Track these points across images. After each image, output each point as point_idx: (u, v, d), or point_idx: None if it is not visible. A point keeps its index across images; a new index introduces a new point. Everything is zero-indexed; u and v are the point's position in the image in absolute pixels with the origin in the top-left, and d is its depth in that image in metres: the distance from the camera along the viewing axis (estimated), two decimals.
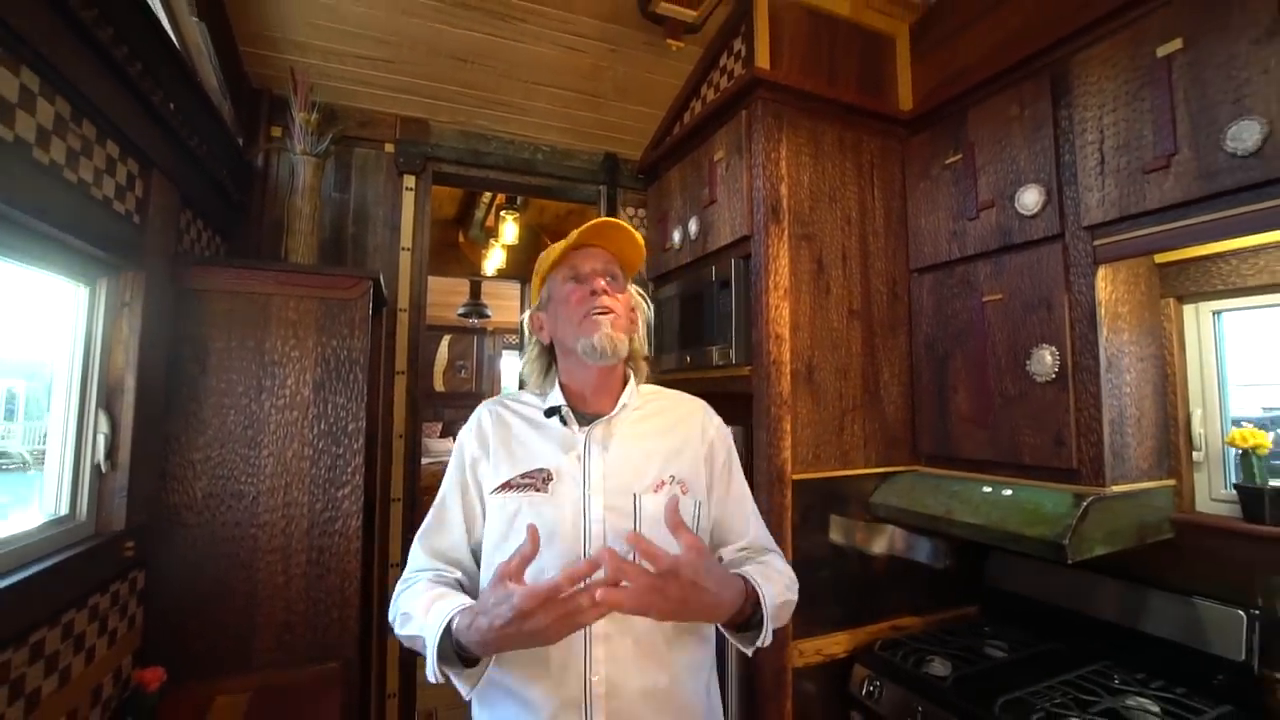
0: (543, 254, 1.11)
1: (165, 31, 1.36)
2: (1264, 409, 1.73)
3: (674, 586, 0.81)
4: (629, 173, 2.52)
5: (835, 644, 1.77)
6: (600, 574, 0.79)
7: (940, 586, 1.99)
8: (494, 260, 3.72)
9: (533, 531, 0.83)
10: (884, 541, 1.91)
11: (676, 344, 2.17)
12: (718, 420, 1.16)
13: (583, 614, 0.77)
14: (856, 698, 1.69)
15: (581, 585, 0.78)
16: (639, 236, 1.06)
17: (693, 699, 1.00)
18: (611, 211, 2.48)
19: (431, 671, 0.85)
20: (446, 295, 5.12)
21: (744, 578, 0.95)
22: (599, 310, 1.00)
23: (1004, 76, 1.69)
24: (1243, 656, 1.38)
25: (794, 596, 1.04)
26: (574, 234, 1.03)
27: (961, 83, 1.80)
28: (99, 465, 1.29)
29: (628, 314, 1.05)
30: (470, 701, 0.96)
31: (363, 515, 1.64)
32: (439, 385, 6.70)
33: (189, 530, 1.49)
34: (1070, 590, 1.75)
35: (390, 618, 0.98)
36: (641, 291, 1.16)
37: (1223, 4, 1.26)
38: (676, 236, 2.16)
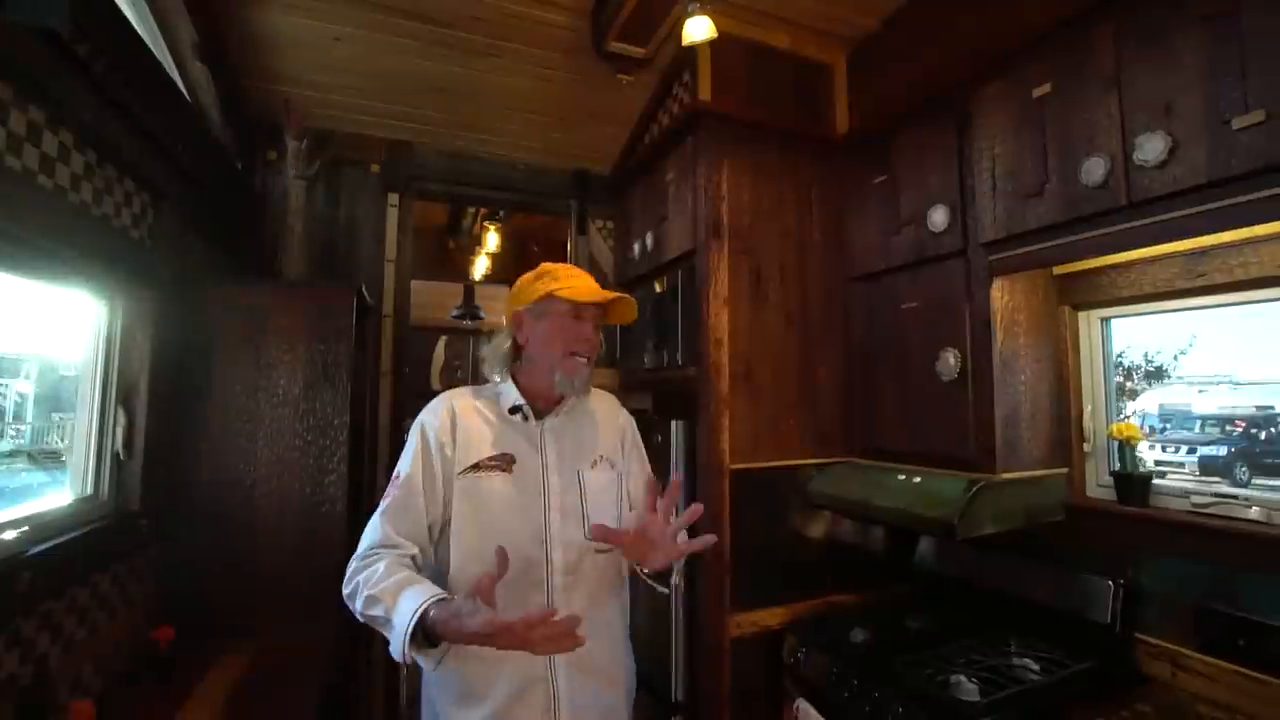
0: (549, 269, 1.25)
1: (178, 86, 1.57)
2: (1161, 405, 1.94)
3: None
4: (599, 188, 2.73)
5: (772, 617, 1.98)
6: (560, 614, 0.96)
7: (875, 567, 2.19)
8: (480, 266, 3.95)
9: (501, 554, 0.98)
10: (822, 527, 2.11)
11: (638, 348, 2.37)
12: (626, 412, 1.43)
13: (529, 645, 0.91)
14: (786, 664, 1.89)
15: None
16: (634, 305, 1.27)
17: (622, 654, 1.29)
18: (581, 224, 2.69)
19: (400, 654, 0.97)
20: (442, 298, 5.32)
21: None
22: (582, 354, 1.21)
23: (920, 108, 1.89)
24: (1108, 620, 1.58)
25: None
26: (593, 292, 1.20)
27: (887, 112, 2.00)
28: (118, 453, 1.51)
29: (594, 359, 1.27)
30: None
31: (347, 500, 1.86)
32: (436, 384, 6.90)
33: (196, 511, 1.72)
34: (985, 569, 1.94)
35: (347, 592, 1.09)
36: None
37: (1081, 54, 1.45)
38: (636, 249, 2.37)
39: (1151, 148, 1.29)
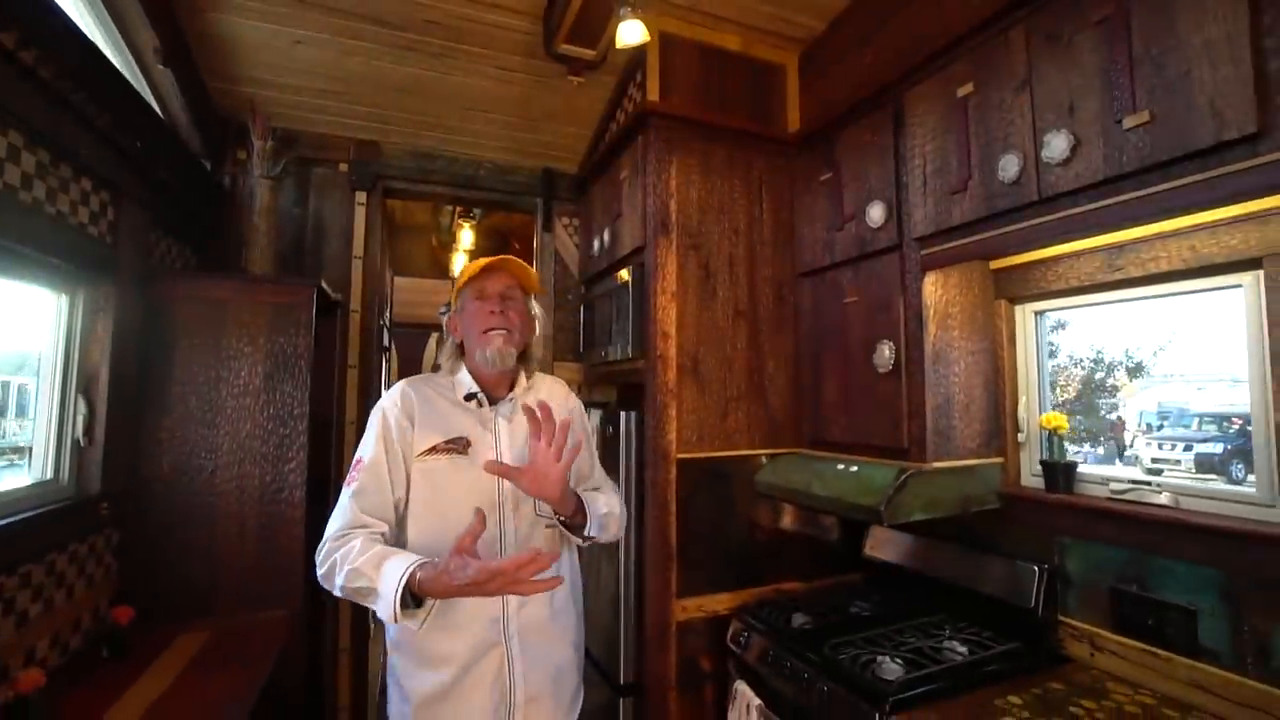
0: (462, 267, 1.40)
1: (132, 86, 1.64)
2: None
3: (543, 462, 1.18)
4: (564, 186, 2.79)
5: (718, 602, 2.03)
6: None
7: (827, 556, 2.25)
8: (458, 264, 4.02)
9: (479, 513, 1.11)
10: (774, 516, 2.17)
11: (598, 340, 2.43)
12: (576, 400, 1.53)
13: (518, 585, 1.05)
14: (729, 647, 1.95)
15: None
16: (530, 268, 1.38)
17: (571, 617, 1.41)
18: (547, 221, 2.76)
19: (391, 616, 1.07)
20: (429, 295, 5.40)
21: (578, 494, 1.32)
22: (493, 328, 1.29)
23: (860, 107, 1.94)
24: (1032, 604, 1.63)
25: (617, 511, 1.41)
26: (480, 263, 1.31)
27: (831, 111, 2.05)
28: (78, 440, 1.58)
29: (521, 328, 1.36)
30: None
31: (306, 487, 1.93)
32: None
33: (157, 497, 1.79)
34: (929, 558, 1.98)
35: (322, 572, 1.17)
36: (538, 307, 1.46)
37: (999, 55, 1.50)
38: (596, 245, 2.43)
39: (1057, 146, 1.34)
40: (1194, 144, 1.12)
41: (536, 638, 1.29)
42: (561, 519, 1.30)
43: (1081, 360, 1.99)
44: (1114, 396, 1.95)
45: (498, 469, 1.19)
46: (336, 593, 1.15)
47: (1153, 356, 1.90)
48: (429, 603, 1.13)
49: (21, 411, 1.65)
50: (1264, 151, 1.03)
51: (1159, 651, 1.42)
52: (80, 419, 1.58)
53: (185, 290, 1.87)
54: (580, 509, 1.31)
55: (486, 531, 1.19)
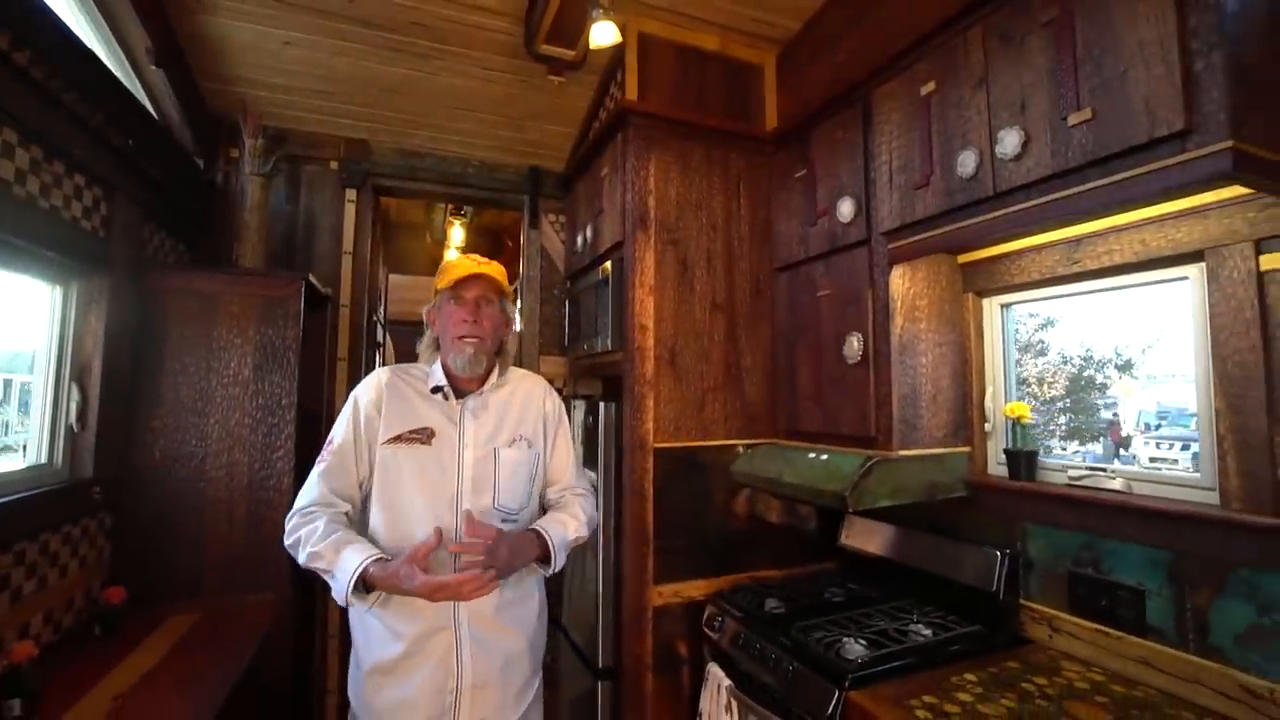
0: (442, 265, 1.45)
1: (124, 86, 1.70)
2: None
3: (503, 549, 1.26)
4: (551, 184, 2.85)
5: (695, 589, 2.09)
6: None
7: (803, 544, 2.30)
8: None
9: (437, 532, 1.23)
10: (751, 505, 2.22)
11: (582, 334, 2.49)
12: (555, 396, 1.57)
13: (461, 598, 1.21)
14: (704, 630, 2.00)
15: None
16: (502, 273, 1.42)
17: (530, 608, 1.45)
18: (534, 218, 2.82)
19: (343, 600, 1.20)
20: (426, 293, 5.44)
21: (538, 532, 1.36)
22: (466, 336, 1.36)
23: (832, 105, 1.99)
24: (994, 587, 1.68)
25: (585, 533, 1.46)
26: (457, 273, 1.36)
27: (807, 109, 2.10)
28: (72, 426, 1.65)
29: (494, 332, 1.42)
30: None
31: (294, 474, 1.99)
32: None
33: (149, 483, 1.85)
34: (901, 546, 2.03)
35: (289, 542, 1.28)
36: (511, 307, 1.52)
37: (960, 55, 1.55)
38: (579, 241, 2.48)
39: (1009, 142, 1.39)
40: (1131, 140, 1.17)
41: (485, 626, 1.33)
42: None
43: (1071, 358, 2.02)
44: (1104, 394, 1.98)
45: (470, 526, 1.26)
46: (300, 563, 1.27)
47: (1141, 354, 1.94)
48: (377, 591, 1.24)
49: (23, 408, 1.71)
50: (1191, 148, 1.08)
51: (1111, 631, 1.47)
52: (74, 405, 1.64)
53: (177, 283, 1.93)
54: (544, 545, 1.36)
55: (443, 523, 1.28)
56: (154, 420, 1.87)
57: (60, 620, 1.56)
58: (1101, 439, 1.96)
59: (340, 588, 1.19)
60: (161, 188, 1.98)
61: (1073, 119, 1.26)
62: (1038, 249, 1.73)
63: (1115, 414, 1.94)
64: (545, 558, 1.36)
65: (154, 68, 1.90)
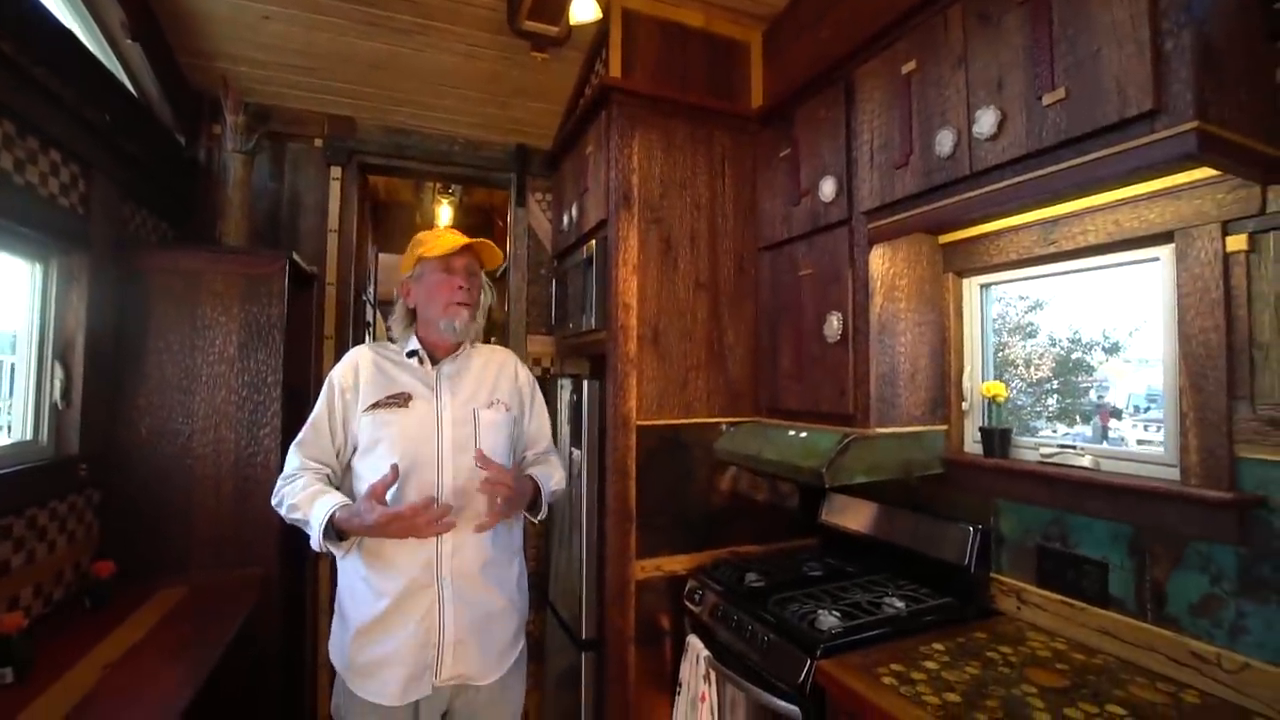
0: (419, 238, 1.50)
1: (99, 60, 1.68)
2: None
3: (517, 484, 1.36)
4: (538, 162, 2.84)
5: (677, 563, 2.13)
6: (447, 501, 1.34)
7: (785, 521, 2.34)
8: None
9: (394, 468, 1.28)
10: (734, 482, 2.26)
11: (570, 313, 2.50)
12: (526, 371, 1.65)
13: (415, 529, 1.25)
14: (685, 603, 2.05)
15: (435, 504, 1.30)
16: (498, 250, 1.50)
17: (510, 565, 1.50)
18: (521, 196, 2.81)
19: (317, 545, 1.29)
20: None
21: (530, 477, 1.48)
22: (461, 302, 1.43)
23: (815, 83, 1.98)
24: (966, 562, 1.72)
25: (564, 486, 1.60)
26: (450, 245, 1.41)
27: (791, 87, 2.09)
28: (56, 403, 1.66)
29: (477, 302, 1.50)
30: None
31: (280, 451, 2.00)
32: None
33: (136, 460, 1.87)
34: (880, 522, 2.07)
35: (275, 501, 1.39)
36: (488, 282, 1.59)
37: (940, 33, 1.55)
38: (565, 219, 2.48)
39: (986, 121, 1.40)
40: (1102, 120, 1.17)
41: (468, 584, 1.38)
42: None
43: (1059, 340, 2.04)
44: (1091, 375, 2.01)
45: (481, 460, 1.34)
46: (285, 519, 1.37)
47: (1129, 336, 1.96)
48: (352, 538, 1.32)
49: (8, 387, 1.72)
50: (1160, 128, 1.09)
51: (1075, 602, 1.51)
52: (58, 383, 1.65)
53: (159, 261, 1.93)
54: (535, 494, 1.46)
55: (424, 481, 1.35)
56: (139, 398, 1.88)
57: (50, 594, 1.59)
58: (1091, 421, 1.99)
59: (314, 534, 1.28)
60: (141, 165, 1.96)
61: (1047, 99, 1.27)
62: (1015, 229, 1.74)
63: (1101, 396, 1.97)
64: (534, 505, 1.48)
65: (130, 42, 1.88)
